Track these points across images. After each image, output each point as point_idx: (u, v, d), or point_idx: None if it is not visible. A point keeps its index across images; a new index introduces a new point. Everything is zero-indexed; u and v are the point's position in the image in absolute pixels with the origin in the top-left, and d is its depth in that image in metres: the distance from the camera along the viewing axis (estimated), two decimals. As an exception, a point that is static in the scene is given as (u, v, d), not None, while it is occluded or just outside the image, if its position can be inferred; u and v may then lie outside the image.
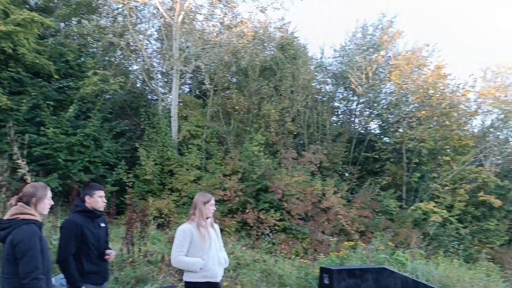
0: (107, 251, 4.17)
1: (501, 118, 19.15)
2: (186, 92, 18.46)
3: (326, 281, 6.53)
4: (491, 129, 19.45)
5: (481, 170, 16.92)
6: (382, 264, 7.39)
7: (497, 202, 15.83)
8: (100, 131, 13.46)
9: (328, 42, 28.67)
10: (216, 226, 4.58)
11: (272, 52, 17.51)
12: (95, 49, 15.52)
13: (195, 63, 15.36)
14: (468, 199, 16.01)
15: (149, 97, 17.87)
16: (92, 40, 15.01)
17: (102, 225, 4.27)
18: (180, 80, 15.78)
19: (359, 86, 17.85)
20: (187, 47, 16.14)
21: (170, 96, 15.78)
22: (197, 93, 17.94)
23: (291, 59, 16.99)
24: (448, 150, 17.57)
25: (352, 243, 8.48)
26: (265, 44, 17.45)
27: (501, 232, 15.96)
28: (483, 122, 19.76)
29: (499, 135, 19.58)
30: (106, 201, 4.22)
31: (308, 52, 19.10)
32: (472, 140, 17.83)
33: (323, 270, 6.64)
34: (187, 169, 14.10)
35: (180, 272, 6.99)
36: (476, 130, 19.67)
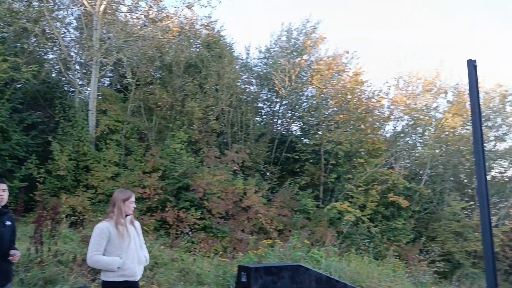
0: (11, 252, 3.87)
1: (411, 125, 20.61)
2: (106, 85, 17.70)
3: (243, 279, 6.60)
4: (401, 135, 20.86)
5: (392, 172, 18.06)
6: (298, 262, 7.62)
7: (405, 203, 16.98)
8: (8, 122, 12.49)
9: (253, 43, 28.98)
10: (137, 224, 4.50)
11: (197, 49, 17.35)
12: (5, 34, 14.37)
13: (116, 56, 14.77)
14: (379, 200, 17.00)
15: (65, 88, 16.88)
16: (2, 24, 13.86)
17: (8, 223, 3.97)
18: (100, 72, 15.09)
19: (282, 88, 18.27)
20: (109, 38, 15.49)
21: (89, 89, 15.04)
22: (118, 86, 17.26)
23: (216, 57, 16.95)
24: (363, 153, 18.54)
25: (270, 241, 8.65)
26: (191, 40, 17.25)
27: (407, 230, 17.13)
28: (394, 127, 21.15)
29: (408, 140, 21.06)
30: (2, 195, 3.89)
31: (234, 51, 19.18)
32: (384, 144, 18.99)
33: (241, 268, 6.71)
34: (105, 165, 13.53)
35: (94, 272, 6.71)
36: (388, 135, 21.00)
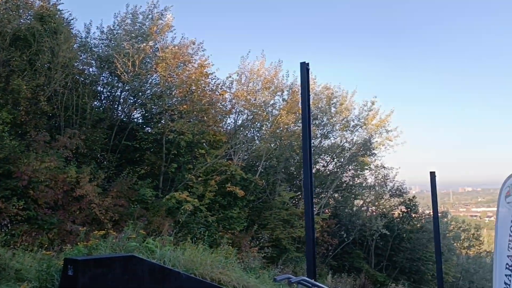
0: None
1: (250, 119, 21.73)
2: None
3: (70, 272, 6.16)
4: (241, 128, 21.85)
5: (230, 164, 18.81)
6: (132, 252, 7.42)
7: (241, 193, 17.83)
8: None
9: (95, 22, 27.13)
10: None
11: (28, 22, 15.53)
12: None
13: None
14: (217, 190, 17.55)
15: None
16: None
17: None
18: None
19: (124, 73, 17.49)
20: None
21: None
22: None
23: (51, 33, 15.39)
24: (204, 144, 18.91)
25: (102, 232, 8.24)
26: (21, 11, 15.35)
27: (241, 219, 18.05)
28: (235, 121, 22.05)
29: (247, 133, 22.16)
30: None
31: (72, 28, 17.64)
32: (225, 136, 19.67)
33: (67, 261, 6.26)
34: None
35: None
36: (229, 128, 21.81)
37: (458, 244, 33.05)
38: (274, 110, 22.43)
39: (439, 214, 20.63)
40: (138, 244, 7.83)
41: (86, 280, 6.13)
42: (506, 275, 10.76)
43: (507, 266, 10.81)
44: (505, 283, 10.69)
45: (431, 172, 15.07)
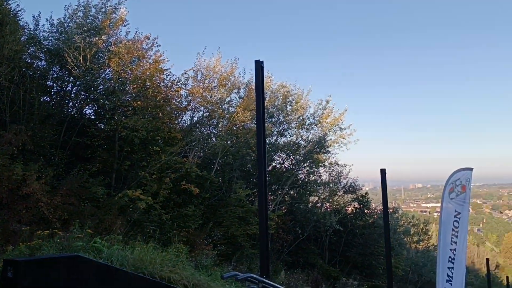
0: None
1: (206, 116, 21.61)
2: None
3: (10, 274, 5.92)
4: (197, 125, 21.69)
5: (186, 161, 18.62)
6: (78, 252, 7.21)
7: (196, 190, 17.70)
8: None
9: (44, 13, 26.07)
10: None
11: (-29, 11, 14.75)
12: None
13: None
14: (172, 187, 17.33)
15: None
16: None
17: None
18: None
19: (76, 68, 16.94)
20: None
21: None
22: None
23: (-3, 24, 14.69)
24: (159, 141, 18.62)
25: (47, 232, 7.97)
26: (-37, 0, 14.57)
27: (196, 217, 17.92)
28: (191, 118, 21.87)
29: (203, 130, 22.02)
30: None
31: (19, 20, 16.87)
32: (180, 133, 19.45)
33: (6, 263, 6.00)
34: None
35: None
36: (185, 125, 21.59)
37: (408, 238, 34.31)
38: (230, 108, 22.44)
39: (390, 210, 21.30)
40: (85, 243, 7.61)
41: (27, 282, 5.91)
42: (448, 268, 11.27)
43: (450, 259, 11.33)
44: (448, 276, 11.19)
45: (381, 169, 15.51)
